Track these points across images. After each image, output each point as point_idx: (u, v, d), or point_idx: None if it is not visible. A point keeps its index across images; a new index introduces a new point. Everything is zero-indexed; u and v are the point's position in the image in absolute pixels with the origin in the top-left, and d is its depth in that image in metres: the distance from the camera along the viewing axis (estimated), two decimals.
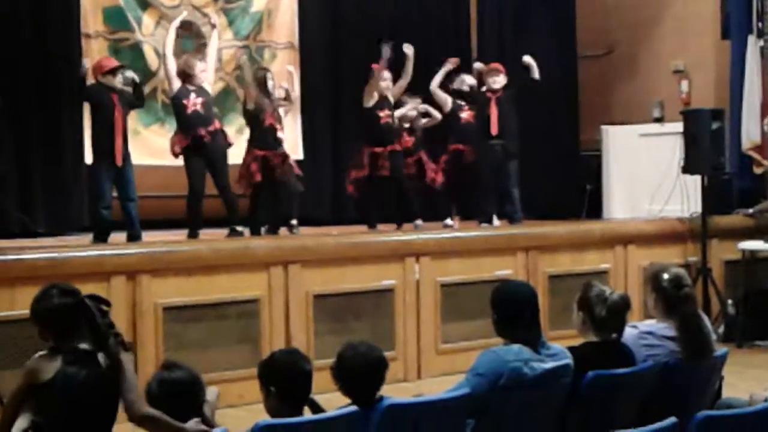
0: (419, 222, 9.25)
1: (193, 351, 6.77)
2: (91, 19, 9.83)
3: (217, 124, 8.47)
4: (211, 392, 4.48)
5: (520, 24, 12.28)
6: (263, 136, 8.68)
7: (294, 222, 8.68)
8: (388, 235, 8.70)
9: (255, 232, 8.62)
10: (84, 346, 3.96)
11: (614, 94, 12.42)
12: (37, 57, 9.43)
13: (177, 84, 8.33)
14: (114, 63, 8.30)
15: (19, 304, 6.23)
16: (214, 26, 8.87)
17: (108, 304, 4.17)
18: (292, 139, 10.79)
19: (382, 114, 9.18)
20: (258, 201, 8.80)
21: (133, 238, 7.99)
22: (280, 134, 8.73)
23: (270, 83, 8.81)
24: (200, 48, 10.42)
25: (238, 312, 7.20)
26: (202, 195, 8.43)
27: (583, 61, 12.54)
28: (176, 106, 8.39)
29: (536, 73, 9.49)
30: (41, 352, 4.04)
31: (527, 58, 9.55)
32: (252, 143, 8.74)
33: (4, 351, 6.10)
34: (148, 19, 10.16)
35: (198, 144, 8.25)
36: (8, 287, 6.27)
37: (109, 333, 4.00)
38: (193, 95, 8.28)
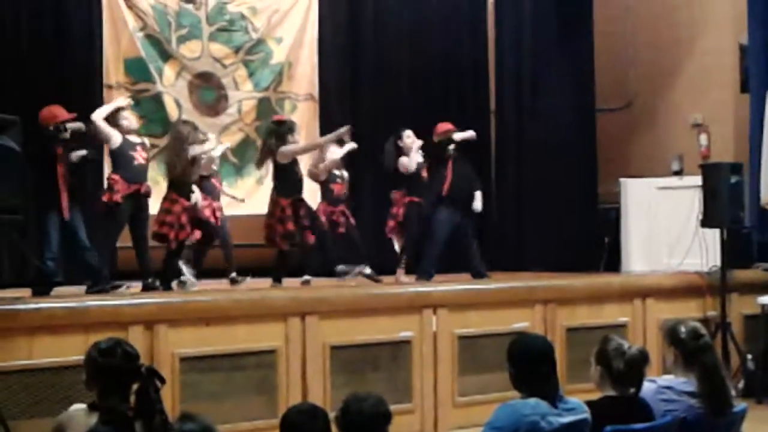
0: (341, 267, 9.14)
1: (209, 401, 6.75)
2: (113, 70, 9.95)
3: None
4: None
5: (539, 76, 12.34)
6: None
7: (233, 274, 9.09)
8: (405, 286, 8.71)
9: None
10: (124, 408, 3.92)
11: (633, 147, 12.42)
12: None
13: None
14: (65, 114, 8.06)
15: (37, 353, 6.25)
16: None
17: (163, 380, 4.12)
18: (310, 190, 10.84)
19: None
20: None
21: (105, 285, 7.89)
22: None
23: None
24: (220, 99, 10.55)
25: (255, 363, 7.18)
26: None
27: (601, 114, 12.56)
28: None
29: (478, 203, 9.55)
30: (78, 406, 4.02)
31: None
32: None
33: (19, 400, 6.03)
34: (168, 71, 10.27)
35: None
36: (27, 336, 6.26)
37: (157, 411, 3.96)
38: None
